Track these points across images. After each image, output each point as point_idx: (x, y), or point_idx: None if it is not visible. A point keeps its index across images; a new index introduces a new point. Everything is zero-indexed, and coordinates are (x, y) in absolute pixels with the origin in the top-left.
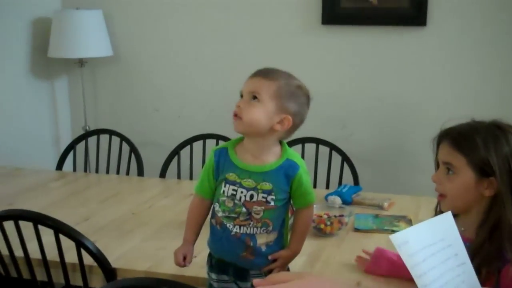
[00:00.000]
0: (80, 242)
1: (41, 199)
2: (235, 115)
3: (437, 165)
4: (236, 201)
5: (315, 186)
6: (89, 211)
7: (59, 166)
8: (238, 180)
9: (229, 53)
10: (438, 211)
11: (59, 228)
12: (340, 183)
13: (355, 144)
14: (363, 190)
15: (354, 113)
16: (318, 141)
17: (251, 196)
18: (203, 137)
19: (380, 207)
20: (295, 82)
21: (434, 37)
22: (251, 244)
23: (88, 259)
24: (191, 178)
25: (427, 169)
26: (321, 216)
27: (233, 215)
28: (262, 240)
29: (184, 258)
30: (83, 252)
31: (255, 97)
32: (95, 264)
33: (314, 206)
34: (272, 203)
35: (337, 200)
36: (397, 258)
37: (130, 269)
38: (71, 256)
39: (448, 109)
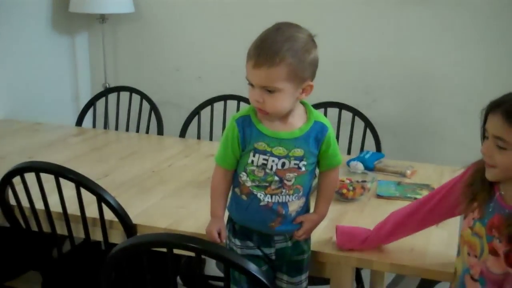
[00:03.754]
0: (101, 197)
1: (61, 154)
2: (259, 109)
3: (483, 135)
4: (267, 170)
5: None
6: (109, 167)
7: (79, 122)
8: (268, 149)
9: (253, 15)
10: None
11: (80, 181)
12: (362, 149)
13: (377, 111)
14: (385, 157)
15: (378, 80)
16: (341, 106)
17: (283, 164)
18: (224, 97)
19: (403, 174)
20: (300, 40)
21: (463, 6)
22: (283, 212)
23: (108, 214)
24: (211, 139)
25: (450, 138)
26: (343, 181)
27: (265, 184)
28: (294, 207)
29: (219, 234)
30: (104, 207)
31: (270, 90)
32: (115, 219)
33: None
34: (303, 169)
35: (359, 166)
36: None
37: (150, 226)
38: (91, 210)
39: (474, 78)
